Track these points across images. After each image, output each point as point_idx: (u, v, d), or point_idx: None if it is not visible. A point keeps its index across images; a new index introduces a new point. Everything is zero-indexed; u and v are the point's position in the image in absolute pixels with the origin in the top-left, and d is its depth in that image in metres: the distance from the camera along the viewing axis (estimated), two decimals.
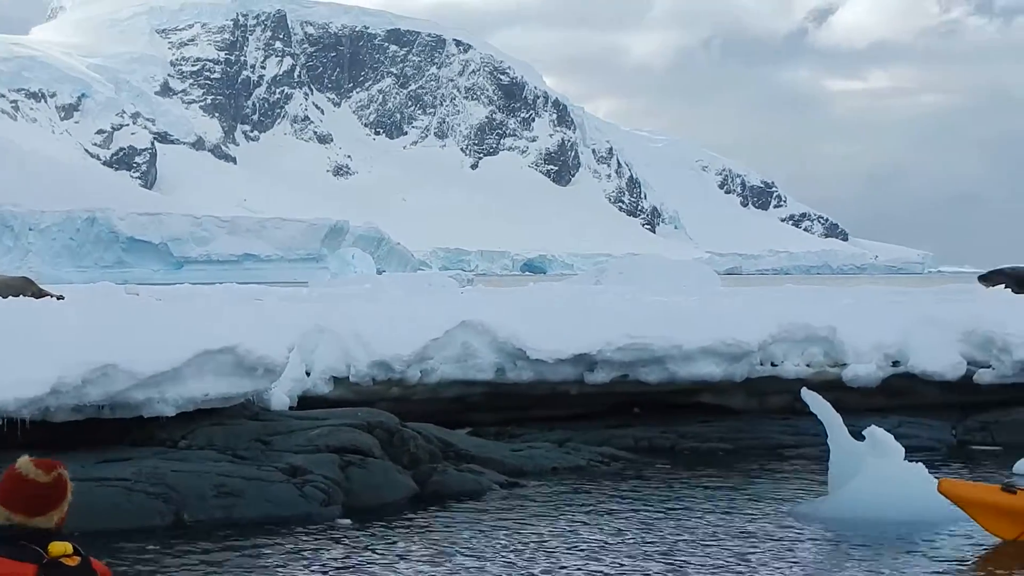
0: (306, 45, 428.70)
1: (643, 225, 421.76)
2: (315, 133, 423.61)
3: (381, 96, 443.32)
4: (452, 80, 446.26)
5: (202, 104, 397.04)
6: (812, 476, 15.73)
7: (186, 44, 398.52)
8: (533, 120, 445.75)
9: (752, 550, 12.55)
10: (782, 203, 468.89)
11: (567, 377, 20.11)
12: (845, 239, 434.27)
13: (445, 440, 17.30)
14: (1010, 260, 29.33)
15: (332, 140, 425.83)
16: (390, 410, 17.63)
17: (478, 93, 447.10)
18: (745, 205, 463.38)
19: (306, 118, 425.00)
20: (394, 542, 13.09)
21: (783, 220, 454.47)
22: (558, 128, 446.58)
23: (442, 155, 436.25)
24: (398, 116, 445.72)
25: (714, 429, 20.00)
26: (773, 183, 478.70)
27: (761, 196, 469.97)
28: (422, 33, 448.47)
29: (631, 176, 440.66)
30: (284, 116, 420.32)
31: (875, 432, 14.01)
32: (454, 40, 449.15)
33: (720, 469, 17.76)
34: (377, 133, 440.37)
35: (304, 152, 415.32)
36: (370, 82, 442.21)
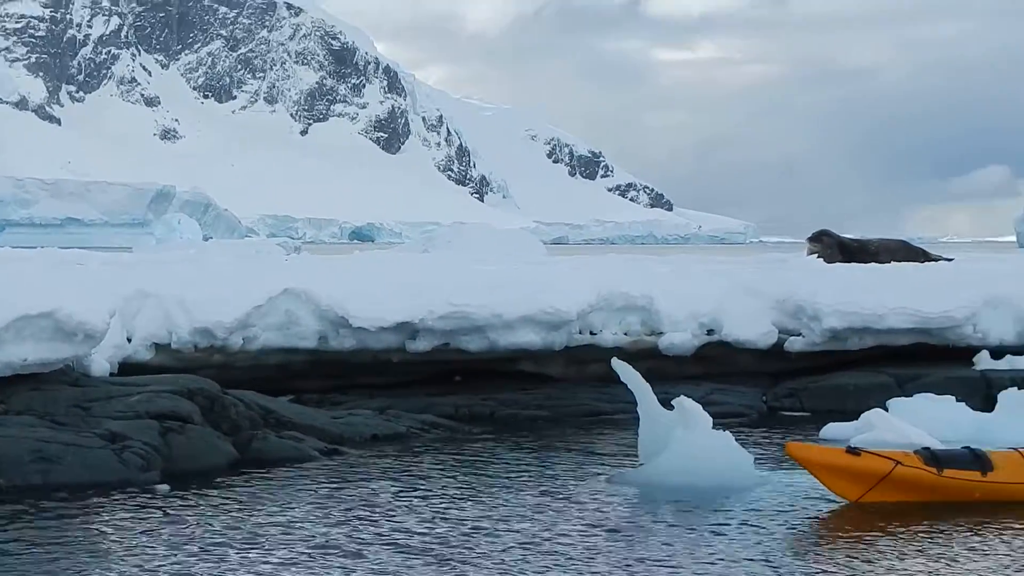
0: (134, 4, 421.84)
1: (472, 194, 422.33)
2: (142, 95, 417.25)
3: (210, 59, 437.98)
4: (283, 44, 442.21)
5: (26, 63, 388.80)
6: (628, 444, 16.09)
7: (10, 0, 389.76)
8: (364, 87, 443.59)
9: (566, 516, 12.85)
10: (609, 173, 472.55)
11: (389, 345, 20.29)
12: (670, 209, 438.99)
13: (266, 407, 17.40)
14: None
15: (160, 103, 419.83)
16: (212, 377, 17.69)
17: (308, 58, 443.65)
18: (573, 175, 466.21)
19: (133, 80, 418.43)
20: (212, 507, 13.21)
21: (610, 190, 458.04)
22: (388, 95, 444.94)
23: (271, 120, 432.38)
24: (227, 80, 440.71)
25: (533, 397, 20.33)
26: (601, 153, 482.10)
27: (589, 166, 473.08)
28: None
29: (461, 144, 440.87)
30: (111, 77, 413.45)
31: (683, 402, 14.40)
32: (285, 3, 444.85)
33: (539, 436, 18.09)
34: (206, 97, 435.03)
35: (131, 114, 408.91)
36: (199, 44, 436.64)
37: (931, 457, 13.51)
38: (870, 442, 14.12)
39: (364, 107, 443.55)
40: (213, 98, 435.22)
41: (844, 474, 13.44)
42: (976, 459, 13.50)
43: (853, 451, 13.51)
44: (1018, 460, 13.58)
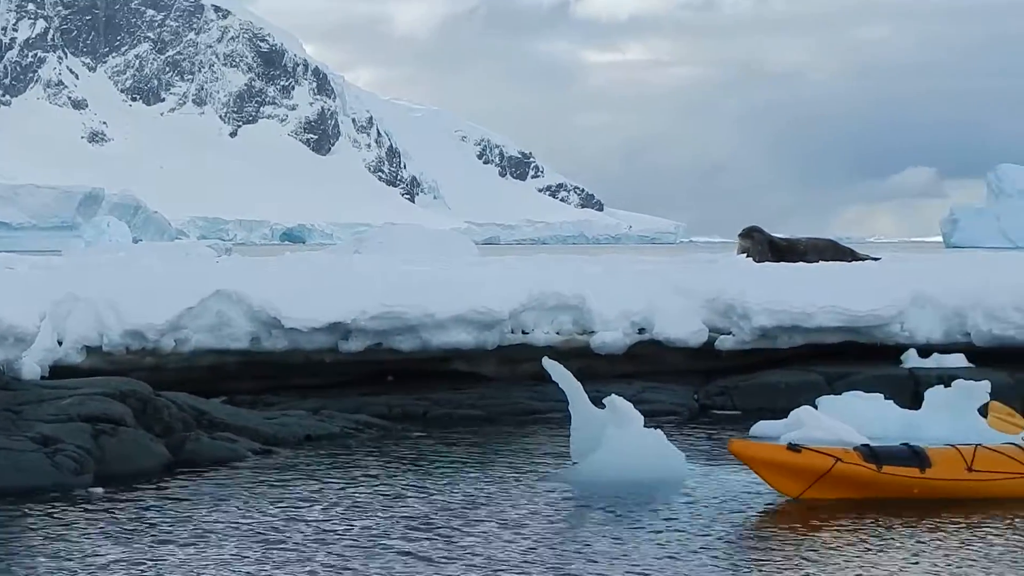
0: (60, 7, 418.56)
1: (403, 195, 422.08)
2: (69, 98, 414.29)
3: (138, 61, 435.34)
4: (211, 46, 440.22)
5: None
6: (561, 442, 16.18)
7: None
8: (293, 88, 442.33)
9: (498, 515, 12.92)
10: (540, 173, 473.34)
11: (322, 346, 20.31)
12: (601, 209, 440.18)
13: (199, 409, 17.38)
14: None
15: (87, 106, 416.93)
16: (144, 379, 17.63)
17: (237, 60, 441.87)
18: (503, 175, 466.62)
19: (60, 82, 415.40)
20: (146, 509, 13.19)
21: (541, 190, 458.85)
22: (318, 97, 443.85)
23: (200, 122, 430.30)
24: (155, 82, 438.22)
25: (466, 396, 20.39)
26: (531, 154, 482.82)
27: (519, 166, 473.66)
28: None
29: (391, 146, 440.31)
30: (37, 80, 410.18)
31: (615, 400, 14.50)
32: (212, 5, 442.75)
33: (471, 435, 18.15)
34: (134, 99, 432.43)
35: (58, 117, 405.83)
36: (126, 47, 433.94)
37: (870, 454, 13.69)
38: (800, 439, 14.25)
39: (293, 109, 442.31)
40: (141, 100, 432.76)
41: (785, 471, 13.59)
42: (915, 456, 13.69)
43: (794, 448, 13.66)
44: (955, 456, 13.78)
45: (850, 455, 13.66)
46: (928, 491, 13.52)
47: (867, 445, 14.00)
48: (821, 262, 26.59)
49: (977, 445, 14.03)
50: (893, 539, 12.03)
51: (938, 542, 11.94)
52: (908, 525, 12.55)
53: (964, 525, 12.60)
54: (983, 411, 16.46)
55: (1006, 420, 14.64)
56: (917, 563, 11.20)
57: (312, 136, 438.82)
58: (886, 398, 17.67)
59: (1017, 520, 12.84)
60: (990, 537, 12.15)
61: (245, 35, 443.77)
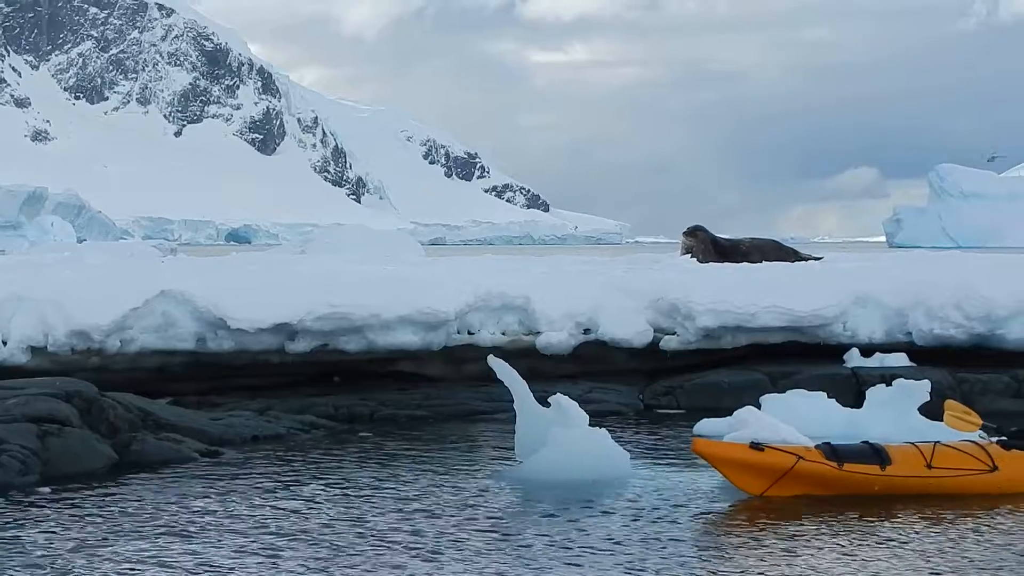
0: (1, 4, 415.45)
1: (348, 195, 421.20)
2: (12, 96, 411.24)
3: (81, 60, 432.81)
4: (155, 45, 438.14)
5: None
6: (507, 442, 16.26)
7: None
8: (238, 88, 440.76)
9: (444, 515, 12.97)
10: (485, 174, 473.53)
11: (268, 346, 20.32)
12: (547, 210, 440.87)
13: (145, 409, 17.37)
14: None
15: (30, 104, 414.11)
16: (90, 380, 17.59)
17: (181, 59, 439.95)
18: (449, 176, 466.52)
19: (2, 80, 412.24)
20: (92, 509, 13.19)
21: (487, 191, 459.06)
22: (263, 96, 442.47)
23: (145, 122, 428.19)
24: (99, 81, 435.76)
25: (412, 397, 20.44)
26: (477, 154, 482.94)
27: (465, 167, 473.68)
28: None
29: (336, 146, 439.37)
30: None
31: (560, 399, 14.60)
32: (156, 4, 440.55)
33: (417, 436, 18.20)
34: (77, 98, 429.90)
35: (1, 116, 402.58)
36: (69, 45, 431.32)
37: (832, 452, 13.89)
38: (743, 439, 14.38)
39: (238, 108, 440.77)
40: (85, 99, 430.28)
41: (748, 469, 13.78)
42: (875, 453, 13.91)
43: (757, 446, 13.83)
44: (915, 454, 14.00)
45: (812, 453, 13.86)
46: (888, 488, 13.73)
47: (828, 443, 14.19)
48: (764, 262, 26.79)
49: (936, 443, 14.28)
50: (854, 535, 12.20)
51: (898, 538, 12.11)
52: (869, 521, 12.72)
53: (924, 521, 12.80)
54: (924, 409, 16.68)
55: (962, 418, 14.85)
56: (878, 558, 11.35)
57: (257, 136, 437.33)
58: (829, 397, 17.84)
59: (974, 515, 13.04)
60: (949, 532, 12.35)
61: (189, 34, 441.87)
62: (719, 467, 13.97)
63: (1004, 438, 14.44)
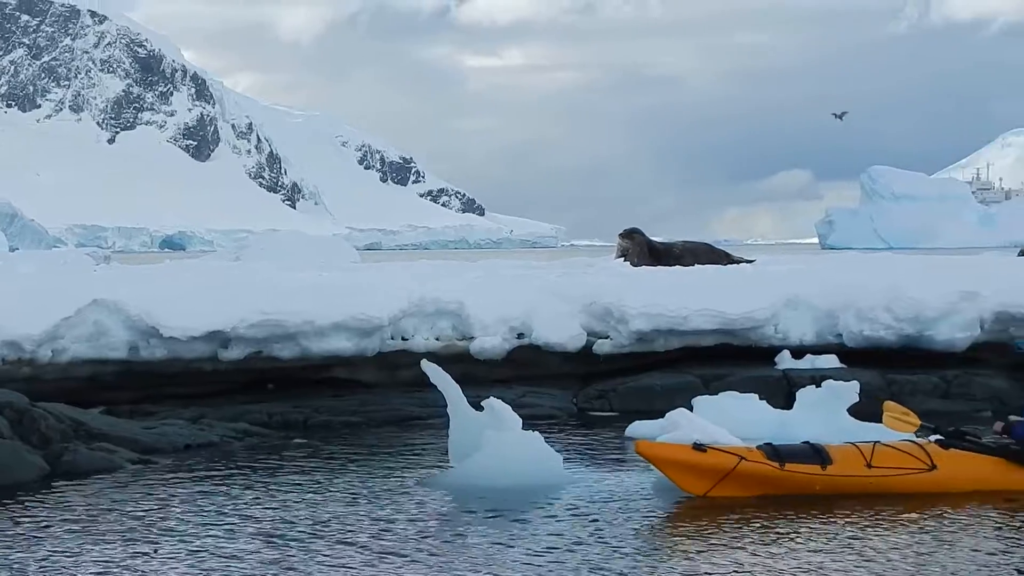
0: None
1: (284, 201, 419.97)
2: None
3: (12, 67, 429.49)
4: (87, 52, 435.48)
5: None
6: (441, 447, 16.30)
7: None
8: (171, 94, 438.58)
9: (376, 520, 12.99)
10: (421, 179, 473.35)
11: (201, 354, 20.28)
12: (482, 214, 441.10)
13: (77, 419, 17.28)
14: None
15: None
16: (21, 390, 17.51)
17: (114, 66, 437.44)
18: (384, 181, 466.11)
19: None
20: (22, 521, 13.12)
21: (422, 195, 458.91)
22: (197, 103, 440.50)
23: (78, 129, 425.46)
24: (31, 88, 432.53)
25: (346, 403, 20.44)
26: (412, 159, 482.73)
27: (400, 172, 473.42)
28: (55, 3, 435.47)
29: (271, 152, 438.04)
30: None
31: (493, 403, 14.66)
32: (89, 11, 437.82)
33: (352, 442, 18.20)
34: (9, 106, 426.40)
35: None
36: (1, 53, 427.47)
37: (773, 452, 14.04)
38: (675, 440, 14.48)
39: (172, 115, 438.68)
40: (17, 107, 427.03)
41: (691, 470, 13.90)
42: (816, 453, 14.07)
43: (699, 447, 13.95)
44: (855, 454, 14.17)
45: (754, 453, 14.01)
46: (829, 487, 13.88)
47: (770, 444, 14.33)
48: (697, 265, 26.94)
49: (876, 442, 14.46)
50: (795, 534, 12.34)
51: (839, 537, 12.24)
52: (810, 521, 12.85)
53: (864, 520, 12.93)
54: (853, 410, 16.85)
55: (901, 419, 15.06)
56: (820, 557, 11.48)
57: (191, 142, 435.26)
58: (760, 399, 17.98)
59: (912, 514, 13.20)
60: (889, 531, 12.51)
61: (122, 41, 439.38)
62: (662, 468, 14.07)
63: (942, 437, 14.64)
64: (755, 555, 11.51)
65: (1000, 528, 12.77)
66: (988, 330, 22.12)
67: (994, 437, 14.66)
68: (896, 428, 15.08)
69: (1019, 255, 34.33)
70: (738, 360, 21.89)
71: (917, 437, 14.87)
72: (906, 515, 13.17)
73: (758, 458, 13.99)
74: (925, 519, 13.03)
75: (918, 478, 14.12)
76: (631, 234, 29.62)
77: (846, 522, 12.85)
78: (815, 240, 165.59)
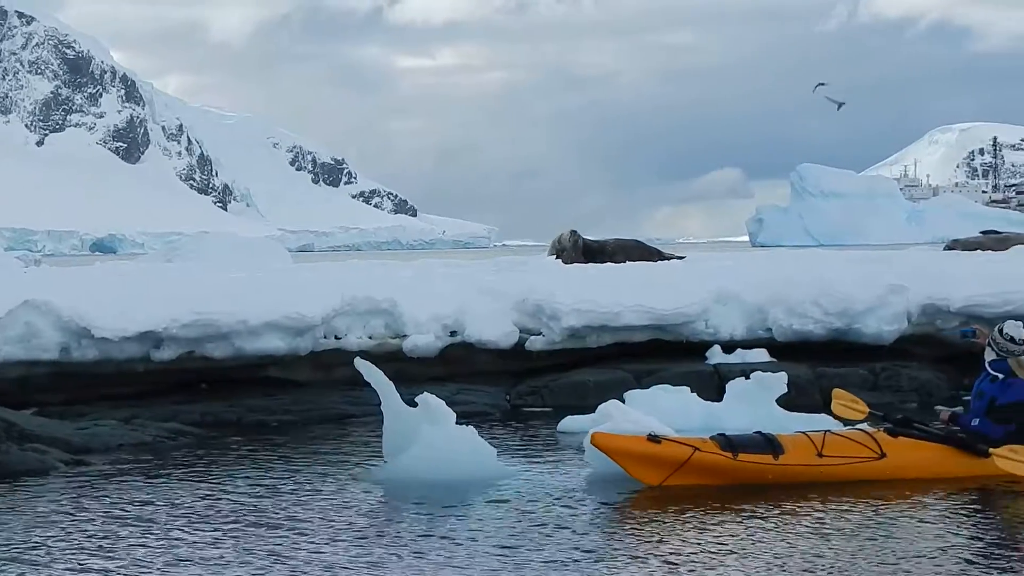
0: None
1: (215, 203, 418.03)
2: None
3: None
4: (15, 53, 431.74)
5: None
6: (376, 444, 16.35)
7: None
8: (100, 96, 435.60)
9: (310, 517, 13.03)
10: (353, 180, 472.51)
11: (134, 355, 20.24)
12: (415, 215, 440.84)
13: (8, 420, 17.20)
14: None
15: None
16: None
17: (42, 67, 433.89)
18: (316, 182, 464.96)
19: None
20: None
21: (354, 197, 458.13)
22: (126, 104, 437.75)
23: (5, 131, 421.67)
24: None
25: (280, 402, 20.46)
26: (344, 160, 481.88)
27: (332, 173, 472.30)
28: None
29: (202, 153, 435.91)
30: None
31: (427, 399, 14.74)
32: (16, 12, 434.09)
33: (285, 441, 18.22)
34: None
35: None
36: None
37: (726, 443, 14.22)
38: (609, 432, 14.61)
39: (101, 116, 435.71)
40: None
41: (646, 461, 14.06)
42: (768, 443, 14.27)
43: (654, 439, 14.12)
44: (806, 443, 14.38)
45: (707, 444, 14.19)
46: (782, 477, 14.09)
47: (723, 434, 14.50)
48: (628, 262, 27.13)
49: (826, 432, 14.70)
50: (748, 522, 12.51)
51: (791, 524, 12.42)
52: (762, 510, 13.02)
53: (816, 508, 13.12)
54: (781, 400, 17.07)
55: (849, 407, 15.31)
56: (772, 543, 11.65)
57: (121, 144, 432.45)
58: (692, 392, 18.16)
59: (861, 501, 13.41)
60: (839, 518, 12.71)
61: (50, 42, 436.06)
62: (617, 459, 14.19)
63: (890, 425, 14.86)
64: (706, 545, 11.61)
65: (946, 513, 13.00)
66: (915, 323, 22.43)
67: (940, 425, 14.91)
68: (845, 416, 15.33)
69: (945, 250, 34.76)
70: (670, 355, 22.07)
71: (866, 425, 15.10)
72: (855, 502, 13.35)
73: (712, 449, 14.16)
74: (873, 506, 13.22)
75: (868, 466, 14.33)
76: (571, 234, 29.88)
77: (798, 511, 12.99)
78: (746, 238, 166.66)
